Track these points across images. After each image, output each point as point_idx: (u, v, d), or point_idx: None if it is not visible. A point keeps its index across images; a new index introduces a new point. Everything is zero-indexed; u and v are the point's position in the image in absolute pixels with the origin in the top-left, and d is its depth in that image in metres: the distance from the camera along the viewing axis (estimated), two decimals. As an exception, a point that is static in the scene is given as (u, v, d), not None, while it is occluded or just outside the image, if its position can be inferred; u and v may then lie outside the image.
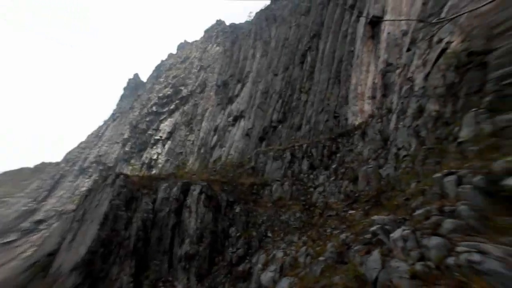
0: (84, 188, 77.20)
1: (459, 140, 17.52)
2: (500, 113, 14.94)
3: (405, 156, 25.06)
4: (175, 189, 24.97)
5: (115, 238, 20.08)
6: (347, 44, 47.51)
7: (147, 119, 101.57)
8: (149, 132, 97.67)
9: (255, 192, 30.76)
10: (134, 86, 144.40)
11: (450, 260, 8.31)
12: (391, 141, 29.08)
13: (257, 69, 67.98)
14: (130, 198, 23.18)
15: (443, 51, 26.12)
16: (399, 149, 27.01)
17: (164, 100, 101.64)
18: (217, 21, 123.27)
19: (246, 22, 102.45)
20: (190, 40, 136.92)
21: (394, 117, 31.25)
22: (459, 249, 8.46)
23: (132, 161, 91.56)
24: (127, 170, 69.71)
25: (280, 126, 48.06)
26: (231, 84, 73.86)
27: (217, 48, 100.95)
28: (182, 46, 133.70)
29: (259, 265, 19.12)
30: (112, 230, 20.24)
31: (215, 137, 64.93)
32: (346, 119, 41.28)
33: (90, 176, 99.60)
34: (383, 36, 41.31)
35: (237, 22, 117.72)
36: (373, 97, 40.61)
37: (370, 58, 43.95)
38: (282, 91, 52.90)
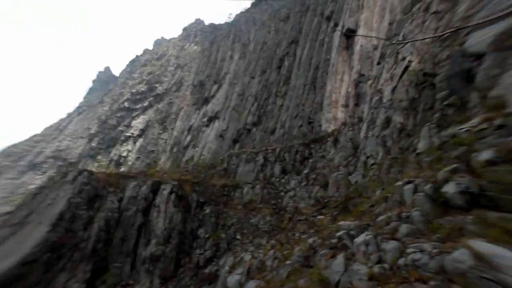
0: (32, 186, 68.17)
1: (417, 151, 19.00)
2: (444, 129, 17.25)
3: (372, 164, 26.23)
4: (144, 187, 24.05)
5: (70, 240, 18.22)
6: (324, 52, 49.05)
7: (118, 114, 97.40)
8: (120, 128, 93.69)
9: (226, 193, 30.54)
10: (105, 79, 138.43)
11: (401, 261, 9.51)
12: (361, 149, 30.28)
13: (235, 71, 67.98)
14: (94, 196, 21.94)
15: (406, 68, 28.07)
16: (367, 157, 28.20)
17: (138, 97, 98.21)
18: (196, 19, 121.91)
19: (226, 23, 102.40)
20: (167, 37, 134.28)
21: (364, 126, 32.62)
22: (408, 250, 9.78)
23: (99, 157, 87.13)
24: (92, 166, 66.05)
25: (254, 129, 48.26)
26: (207, 84, 73.17)
27: (195, 47, 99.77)
28: (159, 43, 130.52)
29: (226, 268, 18.92)
30: (67, 231, 18.45)
31: (189, 137, 63.89)
32: (320, 126, 42.40)
33: (44, 173, 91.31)
34: (357, 48, 43.13)
35: (216, 22, 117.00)
36: (346, 106, 42.08)
37: (344, 67, 45.59)
38: (258, 94, 53.35)
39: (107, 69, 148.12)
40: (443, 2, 29.62)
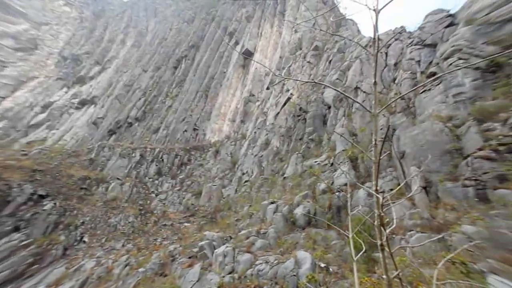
0: None
1: (285, 175, 22.10)
2: (306, 160, 21.53)
3: (246, 181, 28.33)
4: None
5: None
6: (221, 64, 50.72)
7: None
8: None
9: (86, 187, 26.09)
10: None
11: (249, 271, 11.10)
12: (239, 165, 32.41)
13: (125, 58, 60.89)
14: None
15: (289, 99, 32.54)
16: (243, 173, 30.32)
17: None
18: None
19: (119, 0, 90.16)
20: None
21: (246, 144, 35.19)
22: (257, 262, 11.63)
23: None
24: None
25: (136, 124, 44.13)
26: (86, 62, 62.35)
27: (68, 8, 79.74)
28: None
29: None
30: None
31: (43, 115, 51.83)
32: (205, 134, 42.92)
33: None
34: (252, 69, 46.90)
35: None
36: (233, 120, 44.38)
37: (238, 84, 48.37)
38: (148, 90, 49.51)
39: None
40: (314, 56, 36.42)
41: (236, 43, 51.34)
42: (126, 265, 15.72)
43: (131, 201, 26.89)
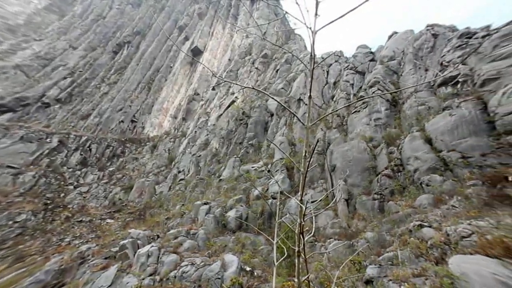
0: None
1: (221, 178, 22.13)
2: (244, 164, 22.18)
3: (182, 179, 27.49)
4: None
5: None
6: (169, 58, 48.66)
7: None
8: None
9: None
10: None
11: (173, 273, 10.75)
12: (176, 163, 31.28)
13: (36, 21, 50.10)
14: None
15: (233, 102, 32.89)
16: (179, 171, 29.38)
17: None
18: None
19: None
20: None
21: (185, 142, 34.23)
22: (183, 263, 11.32)
23: None
24: None
25: (57, 106, 37.92)
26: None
27: None
28: None
29: None
30: None
31: None
32: (143, 127, 40.38)
33: None
34: (199, 67, 45.99)
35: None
36: (174, 117, 42.76)
37: (184, 81, 46.88)
38: (77, 70, 43.61)
39: None
40: (262, 63, 37.75)
41: (186, 38, 49.84)
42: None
43: (33, 193, 22.76)
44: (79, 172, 28.48)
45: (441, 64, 17.01)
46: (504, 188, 8.58)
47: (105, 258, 12.82)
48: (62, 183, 26.09)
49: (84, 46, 47.22)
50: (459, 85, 14.35)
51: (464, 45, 16.40)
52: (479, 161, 10.47)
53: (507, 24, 13.64)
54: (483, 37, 15.22)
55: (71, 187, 26.04)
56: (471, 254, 6.49)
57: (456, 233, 7.50)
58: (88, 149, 31.41)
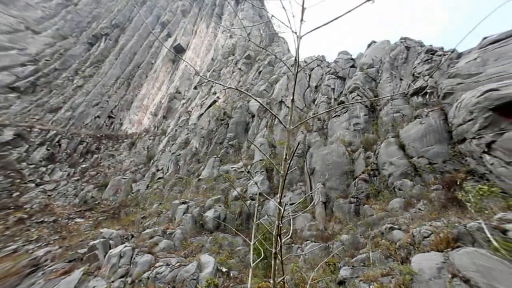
0: None
1: (200, 177, 21.89)
2: (224, 164, 22.15)
3: (160, 178, 26.90)
4: None
5: None
6: (150, 54, 47.52)
7: None
8: None
9: None
10: None
11: (147, 274, 10.41)
12: (155, 161, 30.55)
13: (3, 5, 42.88)
14: None
15: (214, 102, 32.69)
16: (158, 170, 28.73)
17: None
18: None
19: None
20: None
21: (165, 140, 33.57)
22: (157, 264, 10.96)
23: None
24: None
25: (16, 96, 34.59)
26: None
27: None
28: None
29: None
30: None
31: None
32: (121, 124, 39.14)
33: None
34: (182, 66, 45.28)
35: None
36: (155, 115, 41.80)
37: (165, 78, 45.96)
38: (43, 59, 40.34)
39: None
40: (245, 64, 37.85)
41: (168, 35, 48.94)
42: None
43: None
44: (44, 169, 26.85)
45: (413, 75, 18.34)
46: (455, 191, 9.72)
47: (69, 262, 12.01)
48: (18, 181, 24.03)
49: (51, 32, 44.23)
50: (427, 96, 15.67)
51: (429, 60, 18.05)
52: (441, 167, 11.51)
53: (452, 51, 15.91)
54: (442, 55, 17.70)
55: (32, 184, 24.28)
56: (428, 251, 7.34)
57: (420, 234, 8.25)
58: (57, 144, 29.82)
